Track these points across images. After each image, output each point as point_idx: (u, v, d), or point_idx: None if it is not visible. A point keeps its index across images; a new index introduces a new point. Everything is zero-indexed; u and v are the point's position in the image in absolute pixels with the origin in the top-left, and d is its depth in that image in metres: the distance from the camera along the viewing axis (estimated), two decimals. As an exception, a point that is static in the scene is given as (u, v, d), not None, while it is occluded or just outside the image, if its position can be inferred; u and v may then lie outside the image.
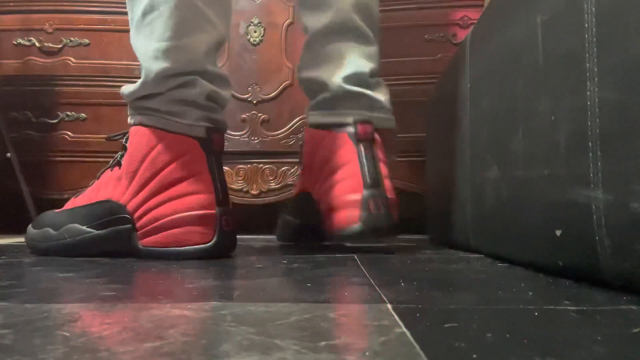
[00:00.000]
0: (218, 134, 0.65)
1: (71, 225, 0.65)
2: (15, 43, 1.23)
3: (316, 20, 0.74)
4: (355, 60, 0.73)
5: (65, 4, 1.23)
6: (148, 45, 0.63)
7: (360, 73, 0.72)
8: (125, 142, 0.65)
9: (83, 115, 1.23)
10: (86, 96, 1.23)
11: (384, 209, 0.66)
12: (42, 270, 0.49)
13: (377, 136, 0.71)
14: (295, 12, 0.81)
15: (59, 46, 1.23)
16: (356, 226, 0.66)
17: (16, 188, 1.11)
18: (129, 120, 0.66)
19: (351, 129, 0.70)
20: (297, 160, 1.23)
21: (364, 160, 0.68)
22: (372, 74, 0.74)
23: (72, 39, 1.23)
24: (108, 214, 0.64)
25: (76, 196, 0.70)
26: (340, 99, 0.72)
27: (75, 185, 1.23)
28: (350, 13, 0.73)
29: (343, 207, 0.67)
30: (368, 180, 0.67)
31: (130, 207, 0.63)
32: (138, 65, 0.65)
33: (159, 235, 0.62)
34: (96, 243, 0.64)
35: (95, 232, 0.64)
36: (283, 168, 1.20)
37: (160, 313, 0.29)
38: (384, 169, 0.69)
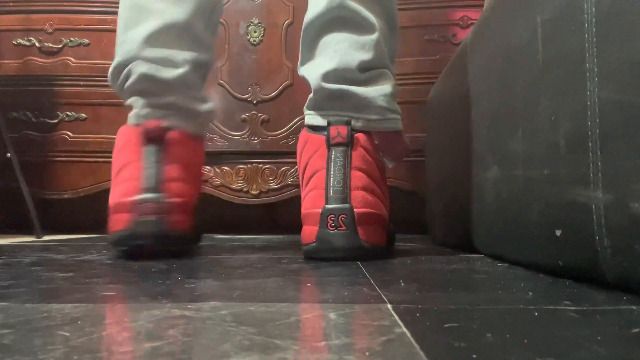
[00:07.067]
0: (149, 122, 0.63)
1: None
2: (15, 43, 1.23)
3: (309, 11, 0.67)
4: (341, 53, 0.64)
5: (65, 4, 1.24)
6: None
7: (343, 69, 0.63)
8: None
9: (83, 115, 1.23)
10: (86, 96, 1.23)
11: (347, 226, 0.57)
12: (42, 270, 0.49)
13: (363, 140, 0.62)
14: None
15: (59, 46, 1.23)
16: (312, 244, 0.59)
17: (16, 188, 1.11)
18: None
19: (326, 132, 0.62)
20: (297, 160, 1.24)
21: (332, 168, 0.60)
22: (364, 67, 0.64)
23: (72, 39, 1.23)
24: None
25: None
26: (323, 99, 0.65)
27: (75, 185, 1.23)
28: None
29: (306, 221, 0.61)
30: (330, 192, 0.59)
31: None
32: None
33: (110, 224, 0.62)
34: None
35: None
36: (283, 168, 1.20)
37: (160, 313, 0.29)
38: (357, 179, 0.59)
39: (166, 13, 0.66)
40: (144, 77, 0.65)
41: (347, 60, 0.64)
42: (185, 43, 0.67)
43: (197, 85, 0.70)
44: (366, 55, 0.64)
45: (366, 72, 0.65)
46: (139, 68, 0.65)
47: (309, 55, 0.68)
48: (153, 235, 0.59)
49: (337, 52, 0.64)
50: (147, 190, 0.60)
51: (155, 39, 0.65)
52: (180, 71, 0.66)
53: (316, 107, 0.66)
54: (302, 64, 0.69)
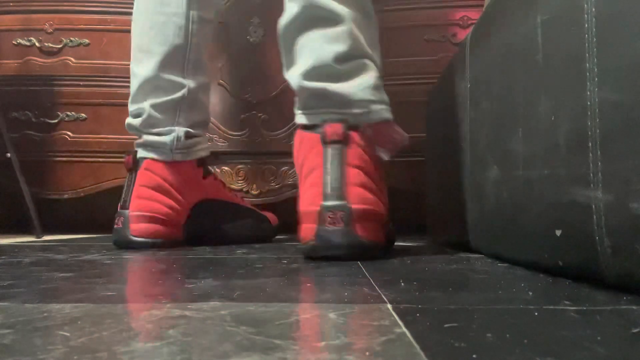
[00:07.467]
0: (126, 157, 0.84)
1: None
2: (15, 43, 1.23)
3: (283, 17, 0.68)
4: (316, 50, 0.64)
5: (65, 4, 1.23)
6: None
7: (320, 65, 0.64)
8: None
9: (83, 115, 1.23)
10: (86, 96, 1.23)
11: (345, 223, 0.58)
12: (42, 270, 0.49)
13: (358, 137, 0.62)
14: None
15: (59, 46, 1.23)
16: (311, 242, 0.59)
17: (16, 188, 1.11)
18: None
19: (321, 130, 0.62)
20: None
21: (329, 166, 0.60)
22: (341, 58, 0.64)
23: (72, 39, 1.23)
24: None
25: None
26: (307, 99, 0.66)
27: (75, 185, 1.23)
28: None
29: (304, 220, 0.61)
30: (328, 190, 0.59)
31: None
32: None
33: None
34: None
35: None
36: (283, 168, 1.20)
37: (160, 313, 0.29)
38: (354, 176, 0.60)
39: (140, 73, 0.84)
40: (127, 127, 0.87)
41: (322, 56, 0.64)
42: (155, 92, 0.83)
43: (164, 122, 0.84)
44: (341, 47, 0.64)
45: (344, 64, 0.64)
46: (127, 121, 0.86)
47: (290, 58, 0.69)
48: (115, 240, 0.81)
49: (312, 50, 0.65)
50: (121, 207, 0.82)
51: (135, 95, 0.85)
52: (144, 117, 0.84)
53: (302, 107, 0.67)
54: (287, 68, 0.70)
